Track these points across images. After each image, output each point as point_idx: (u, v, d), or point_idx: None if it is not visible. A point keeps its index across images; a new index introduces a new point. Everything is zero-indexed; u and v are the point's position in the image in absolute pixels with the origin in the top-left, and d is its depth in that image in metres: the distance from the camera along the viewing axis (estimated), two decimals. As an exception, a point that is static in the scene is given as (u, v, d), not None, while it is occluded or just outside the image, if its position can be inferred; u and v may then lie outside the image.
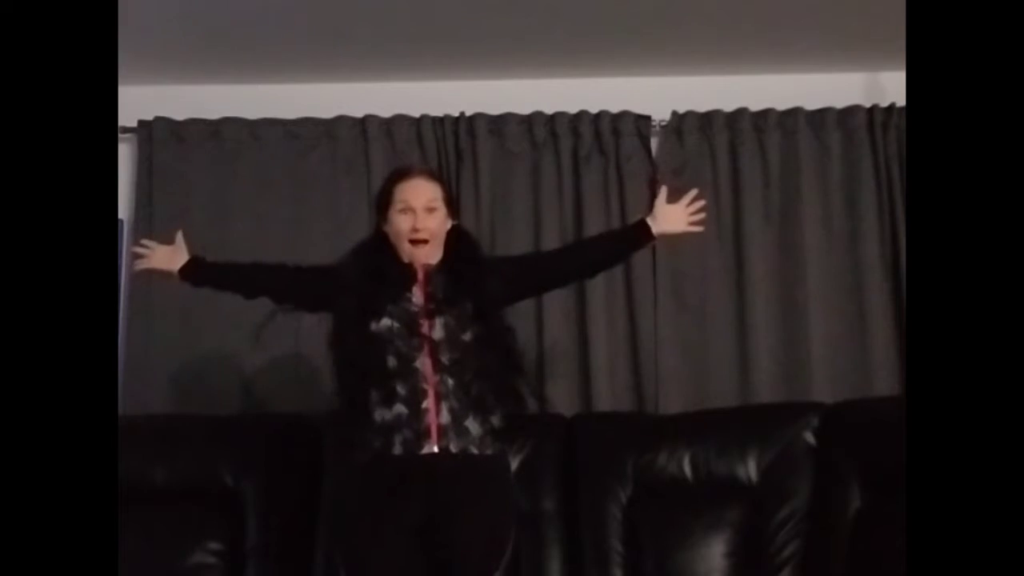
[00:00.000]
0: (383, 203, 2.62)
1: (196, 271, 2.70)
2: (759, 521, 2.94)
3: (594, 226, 3.50)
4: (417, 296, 2.53)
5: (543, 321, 3.46)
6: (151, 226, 3.54)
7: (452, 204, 2.68)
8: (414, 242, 2.56)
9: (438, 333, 2.49)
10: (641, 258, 3.49)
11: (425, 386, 2.47)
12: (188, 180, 3.59)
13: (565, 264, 2.83)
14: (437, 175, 2.83)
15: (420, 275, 2.55)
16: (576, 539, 2.99)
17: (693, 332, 3.50)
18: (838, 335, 3.47)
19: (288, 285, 2.68)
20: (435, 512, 2.43)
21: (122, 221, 3.56)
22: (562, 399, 3.41)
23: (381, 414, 2.47)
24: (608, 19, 3.26)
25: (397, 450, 2.45)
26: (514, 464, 3.02)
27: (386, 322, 2.48)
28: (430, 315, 2.50)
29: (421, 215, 2.56)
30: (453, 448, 2.46)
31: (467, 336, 2.51)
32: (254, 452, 3.06)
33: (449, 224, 2.64)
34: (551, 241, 3.50)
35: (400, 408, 2.46)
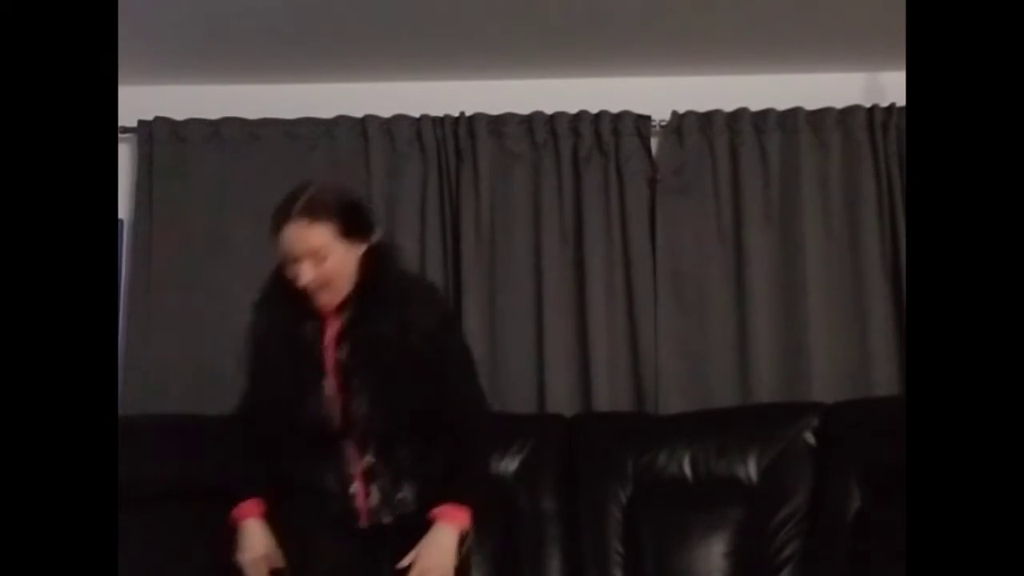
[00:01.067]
0: (275, 246, 2.32)
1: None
2: (759, 521, 2.94)
3: (594, 226, 3.51)
4: (326, 349, 2.32)
5: (543, 321, 3.46)
6: (151, 226, 3.55)
7: (352, 232, 2.31)
8: (311, 290, 2.29)
9: (361, 407, 2.30)
10: (641, 258, 3.50)
11: (351, 470, 2.34)
12: (188, 180, 3.58)
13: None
14: (322, 210, 2.29)
15: (328, 323, 2.33)
16: (576, 539, 2.99)
17: (693, 332, 3.50)
18: (838, 335, 3.46)
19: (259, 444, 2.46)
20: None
21: (122, 221, 3.56)
22: (562, 399, 3.42)
23: (312, 486, 2.36)
24: (608, 19, 3.26)
25: (331, 514, 2.36)
26: (514, 464, 3.04)
27: (306, 414, 2.31)
28: (344, 391, 2.30)
29: (306, 267, 2.26)
30: (386, 520, 2.36)
31: (391, 405, 2.30)
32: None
33: (359, 251, 2.33)
34: (551, 241, 3.51)
35: (329, 488, 2.35)
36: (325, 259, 2.27)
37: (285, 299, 2.34)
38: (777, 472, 3.00)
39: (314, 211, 2.28)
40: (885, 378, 3.40)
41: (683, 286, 3.51)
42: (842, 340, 3.46)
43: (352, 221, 2.33)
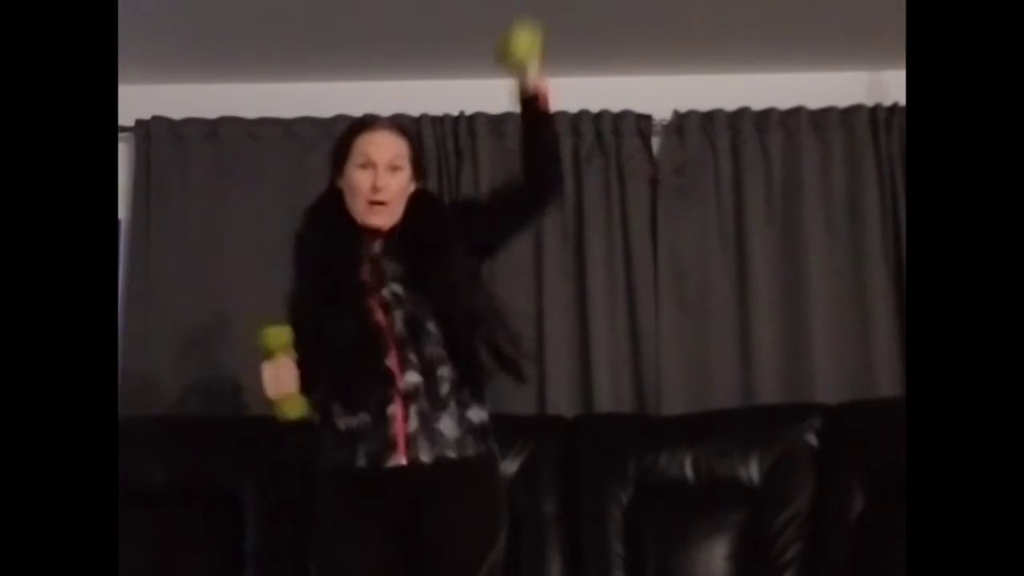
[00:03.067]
0: (341, 156, 2.35)
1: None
2: (761, 523, 2.94)
3: (595, 226, 3.50)
4: (368, 275, 2.30)
5: (543, 321, 3.45)
6: (149, 226, 3.54)
7: (419, 164, 2.41)
8: (371, 203, 2.31)
9: (398, 326, 2.26)
10: (642, 258, 3.50)
11: (391, 389, 2.24)
12: (186, 180, 3.58)
13: (516, 179, 2.45)
14: (405, 129, 2.48)
15: (369, 252, 2.32)
16: (577, 541, 2.99)
17: (694, 333, 3.49)
18: (840, 335, 3.46)
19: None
20: (412, 524, 2.26)
21: (120, 221, 3.55)
22: (563, 400, 3.42)
23: (345, 422, 2.27)
24: (609, 18, 3.25)
25: (361, 462, 2.24)
26: (514, 466, 3.03)
27: (346, 329, 2.25)
28: (384, 307, 2.27)
29: (383, 172, 2.30)
30: (425, 458, 2.23)
31: (431, 325, 2.26)
32: (254, 453, 3.05)
33: (413, 187, 2.38)
34: (552, 241, 3.50)
35: (363, 416, 2.25)
36: (399, 171, 2.33)
37: (336, 215, 2.36)
38: (779, 474, 2.99)
39: (399, 127, 2.45)
40: (888, 379, 3.40)
41: (684, 286, 3.51)
42: (844, 341, 3.46)
43: (420, 155, 2.44)
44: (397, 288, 2.30)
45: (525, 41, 2.31)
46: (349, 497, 2.29)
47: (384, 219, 2.33)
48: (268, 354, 2.27)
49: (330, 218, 2.37)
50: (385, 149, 2.33)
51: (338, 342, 2.27)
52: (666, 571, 2.91)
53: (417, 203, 2.39)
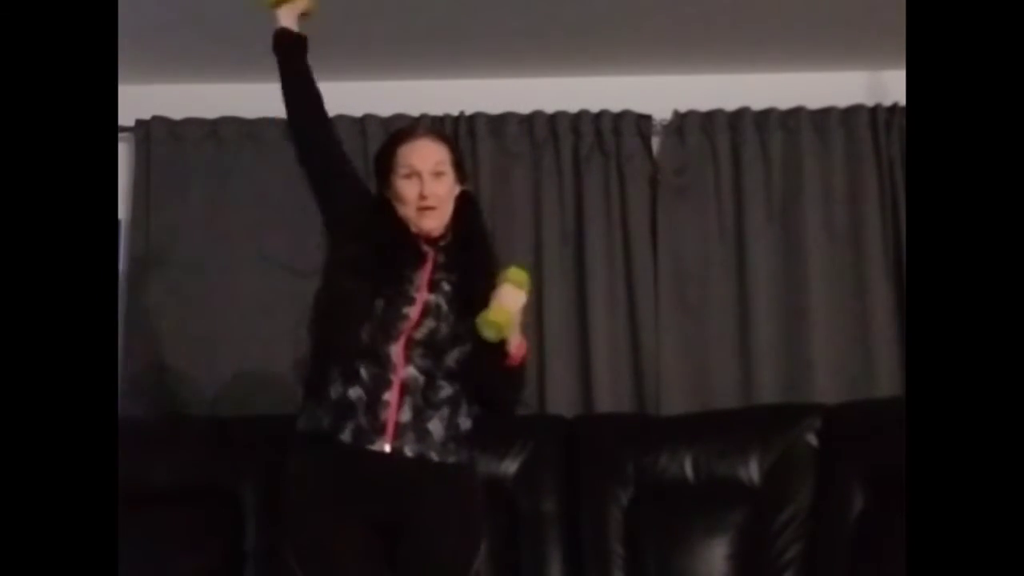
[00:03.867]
0: (385, 167, 2.41)
1: (291, 40, 2.54)
2: (761, 523, 2.94)
3: (595, 226, 3.50)
4: (421, 276, 2.33)
5: (543, 321, 3.45)
6: (148, 225, 3.54)
7: (461, 167, 2.46)
8: (421, 209, 2.35)
9: (421, 332, 2.28)
10: (642, 258, 3.50)
11: (391, 375, 2.26)
12: (186, 179, 3.58)
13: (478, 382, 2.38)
14: (444, 135, 2.57)
15: (430, 256, 2.36)
16: (577, 541, 2.99)
17: (694, 333, 3.49)
18: (840, 335, 3.46)
19: (328, 153, 2.47)
20: (396, 519, 2.26)
21: (120, 221, 3.55)
22: (562, 400, 3.42)
23: (337, 391, 2.26)
24: (609, 18, 3.25)
25: (345, 437, 2.24)
26: (514, 466, 3.03)
27: (379, 302, 2.28)
28: (424, 305, 2.29)
29: (428, 180, 2.35)
30: (408, 451, 2.24)
31: (445, 327, 2.29)
32: (253, 453, 3.04)
33: (458, 189, 2.43)
34: (552, 241, 3.50)
35: (359, 392, 2.25)
36: (443, 176, 2.38)
37: (389, 220, 2.38)
38: (779, 474, 2.99)
39: (438, 134, 2.55)
40: (888, 379, 3.40)
41: (684, 286, 3.51)
42: (844, 341, 3.46)
43: (461, 158, 2.49)
44: (441, 300, 2.32)
45: (508, 314, 2.25)
46: (328, 471, 2.28)
47: (436, 222, 2.38)
48: None
49: (386, 224, 2.38)
50: (427, 157, 2.38)
51: (360, 302, 2.27)
52: (666, 571, 2.91)
53: (464, 207, 2.45)
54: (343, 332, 2.28)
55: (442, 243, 2.40)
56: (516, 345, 2.31)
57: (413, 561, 2.26)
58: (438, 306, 2.32)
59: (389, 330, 2.27)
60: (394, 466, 2.25)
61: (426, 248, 2.38)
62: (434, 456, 2.27)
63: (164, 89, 3.61)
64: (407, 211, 2.37)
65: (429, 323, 2.30)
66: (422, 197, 2.34)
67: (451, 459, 2.30)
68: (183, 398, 3.43)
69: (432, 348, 2.29)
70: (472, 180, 3.50)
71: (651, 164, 3.57)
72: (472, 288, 2.32)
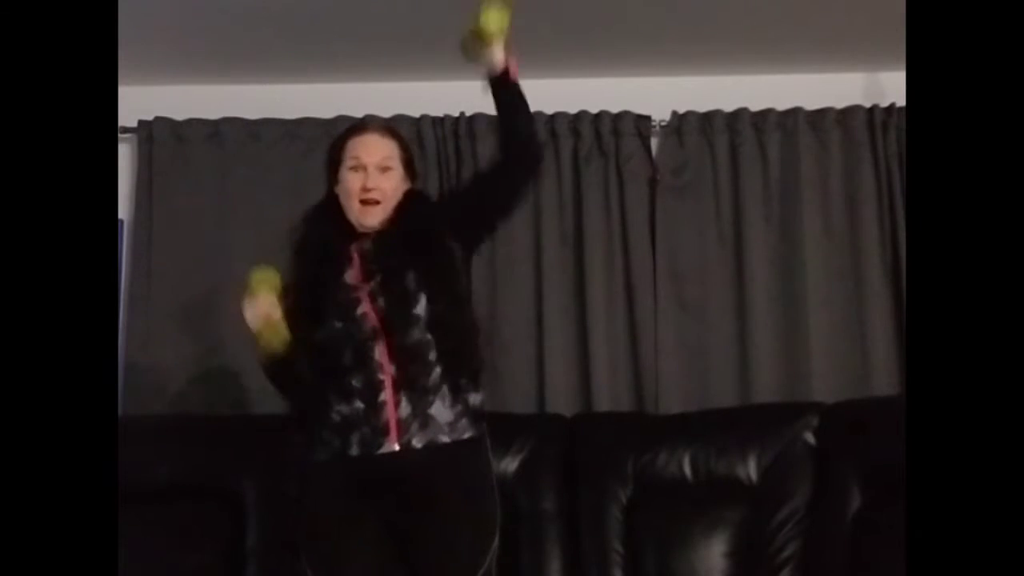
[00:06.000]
0: (335, 159, 2.42)
1: (274, 370, 2.41)
2: (759, 521, 2.94)
3: (594, 226, 3.51)
4: (352, 275, 2.34)
5: (543, 321, 3.46)
6: (151, 226, 3.55)
7: (410, 165, 2.47)
8: (364, 202, 2.36)
9: (386, 315, 2.29)
10: (641, 258, 3.50)
11: (382, 376, 2.27)
12: (188, 180, 3.59)
13: (496, 160, 2.51)
14: (396, 132, 2.54)
15: (354, 252, 2.36)
16: (576, 539, 2.99)
17: (693, 332, 3.50)
18: (838, 335, 3.46)
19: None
20: (407, 516, 2.28)
21: (122, 221, 3.56)
22: (562, 399, 3.42)
23: (339, 411, 2.28)
24: (608, 19, 3.26)
25: (354, 451, 2.26)
26: (514, 464, 3.04)
27: (336, 324, 2.30)
28: (371, 297, 2.30)
29: (373, 173, 2.36)
30: (417, 443, 2.25)
31: (418, 310, 2.29)
32: (253, 451, 3.05)
33: (406, 186, 2.44)
34: (552, 241, 3.51)
35: (358, 404, 2.27)
36: (389, 171, 2.39)
37: (331, 218, 2.42)
38: (777, 472, 3.00)
39: (388, 129, 2.52)
40: (885, 378, 3.40)
41: (683, 286, 3.51)
42: (842, 340, 3.46)
43: (411, 156, 2.50)
44: (382, 279, 2.33)
45: (495, 17, 2.36)
46: (341, 495, 2.30)
47: (377, 218, 2.38)
48: (252, 292, 2.35)
49: (324, 220, 2.43)
50: (374, 150, 2.40)
51: (328, 340, 2.30)
52: (665, 569, 2.91)
53: (408, 202, 2.43)
54: (331, 372, 2.30)
55: (377, 237, 2.38)
56: (502, 60, 2.38)
57: (427, 563, 2.28)
58: (380, 284, 2.32)
59: (362, 338, 2.29)
60: (405, 463, 2.26)
61: (352, 248, 2.38)
62: (444, 439, 2.28)
63: (166, 90, 3.62)
64: (350, 205, 2.39)
65: (381, 301, 2.30)
66: (365, 189, 2.36)
67: (466, 435, 2.31)
68: (183, 397, 3.44)
69: (397, 306, 2.29)
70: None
71: (650, 164, 3.57)
72: (410, 261, 2.32)
